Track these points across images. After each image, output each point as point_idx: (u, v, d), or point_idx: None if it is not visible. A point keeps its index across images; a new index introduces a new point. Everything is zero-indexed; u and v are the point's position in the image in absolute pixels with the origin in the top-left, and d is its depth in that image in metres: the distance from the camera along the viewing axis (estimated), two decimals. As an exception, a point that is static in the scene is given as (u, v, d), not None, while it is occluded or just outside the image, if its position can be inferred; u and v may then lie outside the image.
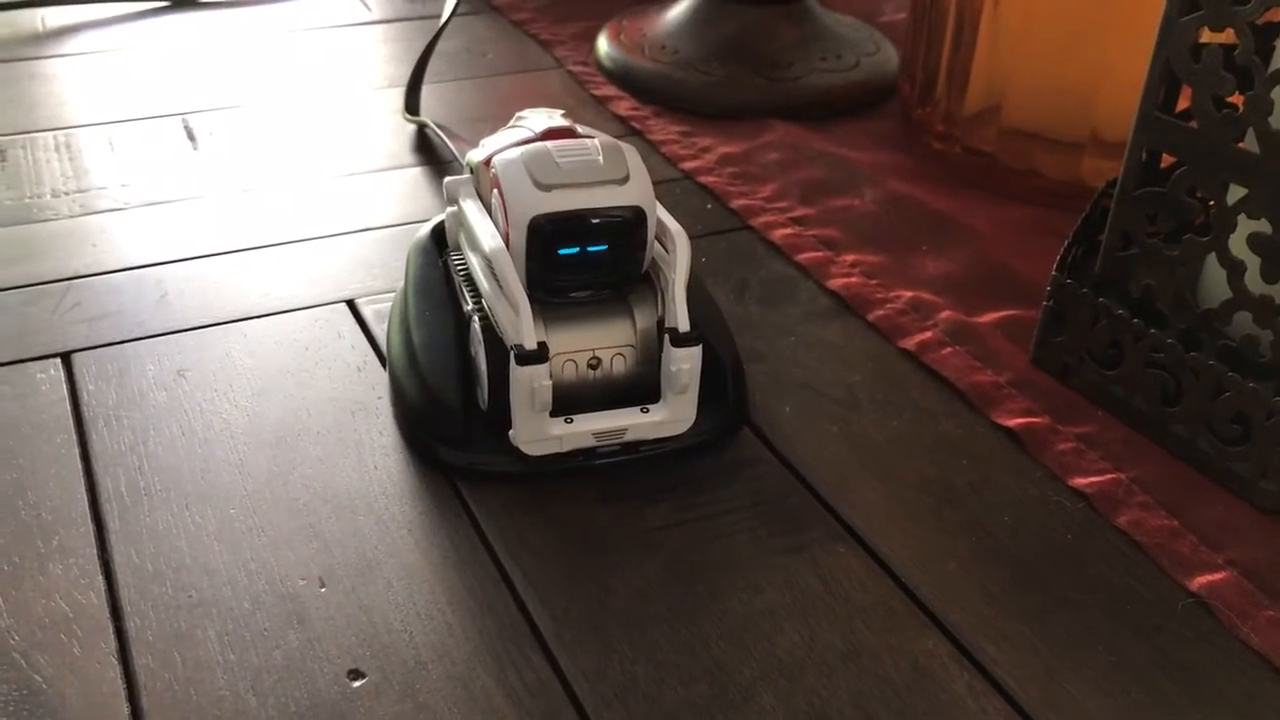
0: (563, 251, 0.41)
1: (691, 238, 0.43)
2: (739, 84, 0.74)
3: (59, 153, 0.67)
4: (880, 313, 0.55)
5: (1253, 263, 0.43)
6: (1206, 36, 0.43)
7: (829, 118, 0.74)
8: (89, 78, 0.76)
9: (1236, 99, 0.42)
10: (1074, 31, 0.61)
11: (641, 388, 0.43)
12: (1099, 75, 0.61)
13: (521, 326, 0.40)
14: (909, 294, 0.56)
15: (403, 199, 0.63)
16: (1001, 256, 0.59)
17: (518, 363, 0.40)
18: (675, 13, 0.80)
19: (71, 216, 0.60)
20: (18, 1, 0.85)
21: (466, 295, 0.45)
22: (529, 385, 0.40)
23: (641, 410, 0.43)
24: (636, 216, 0.41)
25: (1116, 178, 0.47)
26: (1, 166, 0.65)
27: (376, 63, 0.81)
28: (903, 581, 0.40)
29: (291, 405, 0.47)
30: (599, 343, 0.43)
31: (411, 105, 0.72)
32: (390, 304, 0.53)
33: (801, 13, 0.78)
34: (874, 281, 0.57)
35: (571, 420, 0.42)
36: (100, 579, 0.39)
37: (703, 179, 0.66)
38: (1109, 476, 0.45)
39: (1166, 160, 0.46)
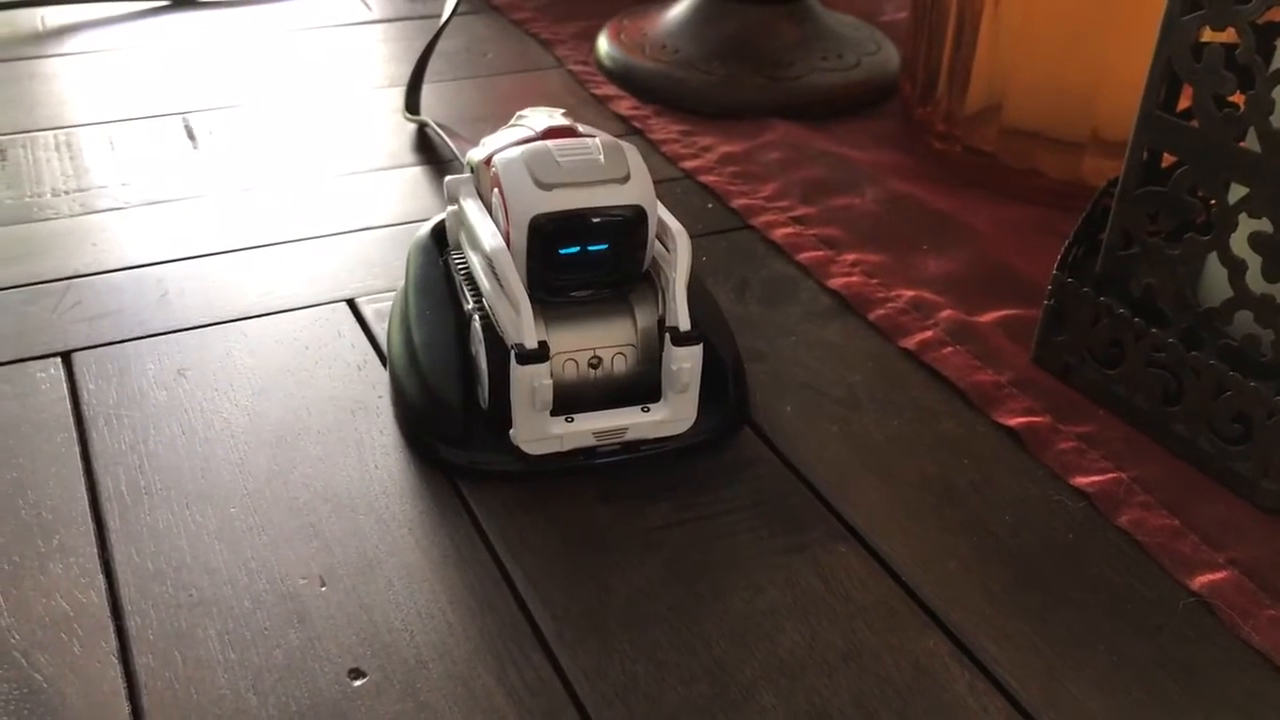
0: (563, 250, 0.41)
1: (692, 237, 0.43)
2: (740, 83, 0.74)
3: (59, 152, 0.67)
4: (881, 312, 0.54)
5: (1254, 262, 0.43)
6: (1208, 35, 0.43)
7: (830, 117, 0.74)
8: (89, 77, 0.76)
9: (1238, 98, 0.42)
10: (1075, 31, 0.61)
11: (642, 387, 0.43)
12: (1100, 75, 0.60)
13: (522, 325, 0.40)
14: (910, 293, 0.56)
15: (403, 198, 0.63)
16: (1002, 256, 0.59)
17: (518, 362, 0.40)
18: (676, 12, 0.80)
19: (72, 216, 0.60)
20: (18, 1, 0.85)
21: (467, 294, 0.45)
22: (529, 384, 0.40)
23: (642, 409, 0.43)
24: (637, 215, 0.41)
25: (1117, 177, 0.47)
26: (2, 166, 0.65)
27: (377, 62, 0.81)
28: (904, 581, 0.40)
29: (292, 404, 0.47)
30: (600, 342, 0.43)
31: (412, 104, 0.72)
32: (391, 303, 0.53)
33: (802, 12, 0.78)
34: (875, 281, 0.57)
35: (572, 419, 0.42)
36: (101, 578, 0.39)
37: (703, 178, 0.66)
38: (1110, 476, 0.45)
39: (1168, 159, 0.46)
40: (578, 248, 0.41)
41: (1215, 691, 0.37)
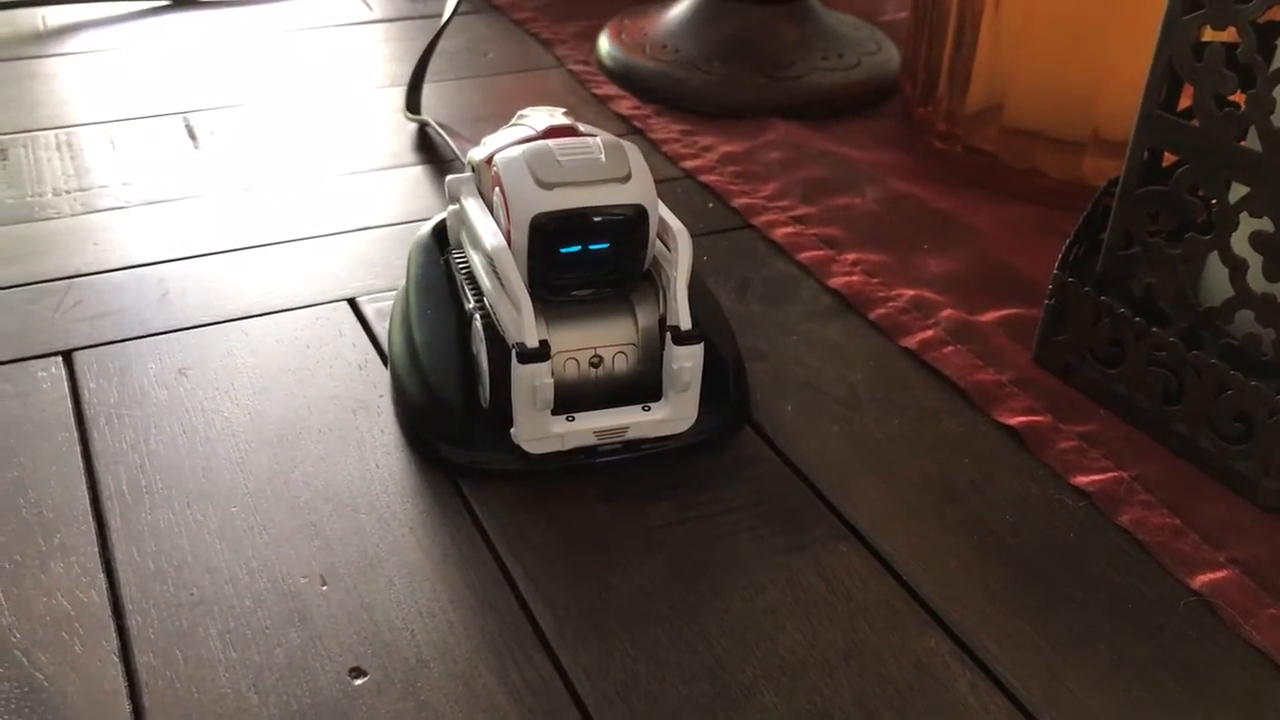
0: (564, 250, 0.41)
1: (693, 236, 0.43)
2: (740, 83, 0.74)
3: (60, 151, 0.67)
4: (882, 311, 0.54)
5: (1255, 261, 0.43)
6: (1208, 35, 0.43)
7: (830, 117, 0.74)
8: (90, 76, 0.76)
9: (1238, 97, 0.42)
10: (1075, 31, 0.61)
11: (643, 386, 0.43)
12: (1100, 74, 0.60)
13: (523, 324, 0.40)
14: (910, 293, 0.56)
15: (404, 198, 0.63)
16: (1003, 255, 0.59)
17: (519, 361, 0.40)
18: (676, 12, 0.80)
19: (73, 215, 0.60)
20: (19, 0, 0.85)
21: (468, 293, 0.45)
22: (530, 383, 0.40)
23: (643, 408, 0.43)
24: (638, 215, 0.41)
25: (1118, 176, 0.47)
26: (3, 165, 0.65)
27: (378, 62, 0.81)
28: (904, 580, 0.40)
29: (293, 403, 0.47)
30: (601, 341, 0.43)
31: (413, 104, 0.72)
32: (391, 302, 0.53)
33: (803, 12, 0.78)
34: (875, 280, 0.57)
35: (573, 418, 0.42)
36: (102, 577, 0.39)
37: (704, 178, 0.66)
38: (1111, 475, 0.45)
39: (1168, 159, 0.46)
40: (579, 247, 0.41)
41: (1216, 690, 0.37)
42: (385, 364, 0.50)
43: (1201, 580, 0.40)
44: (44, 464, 0.44)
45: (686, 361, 0.42)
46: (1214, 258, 0.44)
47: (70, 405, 0.47)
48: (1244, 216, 0.43)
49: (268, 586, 0.39)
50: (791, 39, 0.76)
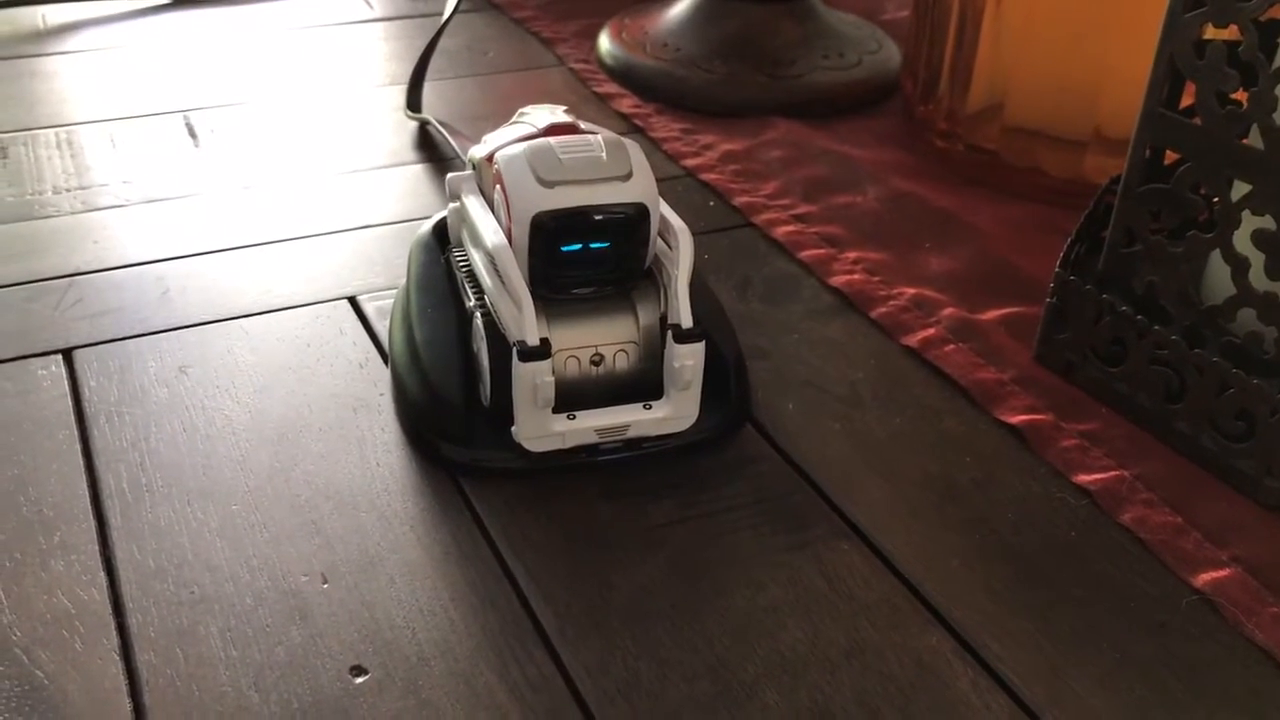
0: (565, 248, 0.41)
1: (694, 235, 0.43)
2: (741, 81, 0.74)
3: (60, 150, 0.67)
4: (883, 310, 0.54)
5: (1257, 259, 0.43)
6: (1210, 33, 0.43)
7: (831, 115, 0.74)
8: (90, 75, 0.76)
9: (1240, 95, 0.42)
10: (1077, 29, 0.61)
11: (644, 384, 0.43)
12: (1102, 73, 0.60)
13: (524, 322, 0.40)
14: (912, 291, 0.56)
15: (404, 196, 0.63)
16: (1004, 254, 0.59)
17: (520, 359, 0.40)
18: (677, 10, 0.80)
19: (73, 213, 0.60)
20: (19, -1, 0.85)
21: (469, 291, 0.45)
22: (531, 381, 0.40)
23: (644, 407, 0.43)
24: (639, 213, 0.41)
25: (1120, 175, 0.47)
26: (3, 163, 0.65)
27: (378, 60, 0.81)
28: (906, 578, 0.40)
29: (293, 402, 0.47)
30: (602, 339, 0.43)
31: (413, 103, 0.72)
32: (392, 300, 0.53)
33: (804, 10, 0.78)
34: (876, 279, 0.57)
35: (574, 416, 0.42)
36: (102, 575, 0.39)
37: (705, 176, 0.66)
38: (1113, 473, 0.45)
39: (1170, 157, 0.46)
40: (580, 245, 0.41)
41: (1218, 689, 0.37)
42: (386, 362, 0.50)
43: (1204, 579, 0.40)
44: (44, 462, 0.44)
45: (688, 360, 0.42)
46: (1216, 256, 0.44)
47: (70, 403, 0.47)
48: (1246, 214, 0.43)
49: (268, 585, 0.39)
50: (792, 37, 0.76)
